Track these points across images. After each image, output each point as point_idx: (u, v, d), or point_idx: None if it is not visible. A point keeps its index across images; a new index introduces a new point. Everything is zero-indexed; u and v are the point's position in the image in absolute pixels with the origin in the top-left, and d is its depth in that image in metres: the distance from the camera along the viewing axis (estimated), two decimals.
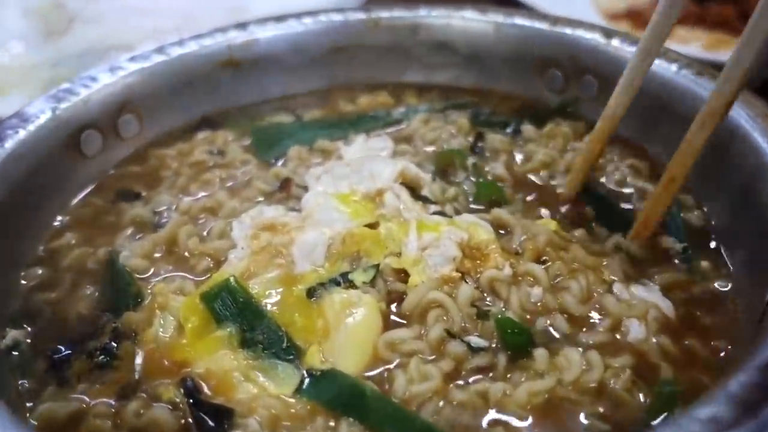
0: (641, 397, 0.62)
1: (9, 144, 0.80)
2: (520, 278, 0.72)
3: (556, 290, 0.71)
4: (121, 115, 0.95)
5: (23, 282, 0.77)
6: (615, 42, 0.97)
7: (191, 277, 0.77)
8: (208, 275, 0.76)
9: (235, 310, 0.69)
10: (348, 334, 0.67)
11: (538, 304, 0.70)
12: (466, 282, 0.72)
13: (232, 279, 0.71)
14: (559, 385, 0.63)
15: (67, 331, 0.72)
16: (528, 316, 0.69)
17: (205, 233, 0.82)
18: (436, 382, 0.63)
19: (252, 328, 0.68)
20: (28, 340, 0.71)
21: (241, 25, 1.06)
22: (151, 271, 0.78)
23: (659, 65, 0.88)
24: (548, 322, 0.69)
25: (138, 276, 0.77)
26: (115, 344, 0.68)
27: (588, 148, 0.84)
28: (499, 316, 0.68)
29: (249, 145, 0.97)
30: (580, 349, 0.66)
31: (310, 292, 0.71)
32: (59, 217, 0.86)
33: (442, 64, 1.10)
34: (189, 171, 0.93)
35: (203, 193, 0.89)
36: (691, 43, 1.47)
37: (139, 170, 0.94)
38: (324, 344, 0.67)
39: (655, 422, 0.60)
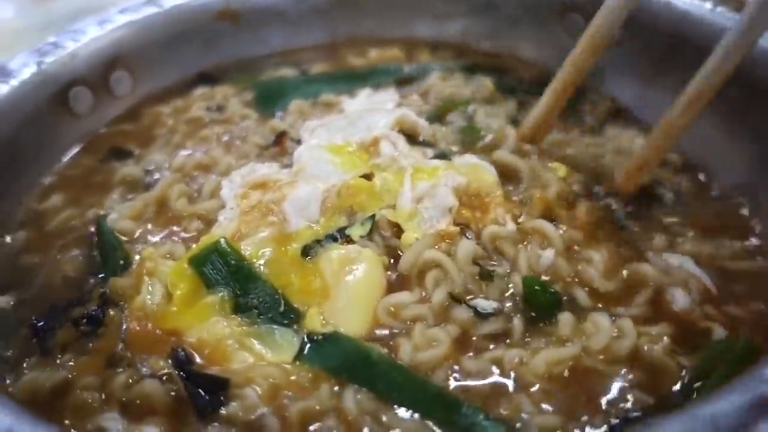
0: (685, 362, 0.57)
1: None
2: (528, 236, 0.67)
3: (572, 257, 0.66)
4: (113, 70, 0.89)
5: (8, 244, 0.73)
6: None
7: (181, 239, 0.71)
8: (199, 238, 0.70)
9: (226, 273, 0.64)
10: (349, 293, 0.62)
11: (551, 269, 0.64)
12: (467, 237, 0.66)
13: (222, 240, 0.65)
14: (585, 354, 0.57)
15: (52, 297, 0.66)
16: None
17: (195, 194, 0.76)
18: (444, 348, 0.58)
19: (245, 292, 0.63)
20: (12, 305, 0.66)
21: None
22: (140, 233, 0.73)
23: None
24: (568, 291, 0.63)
25: (126, 239, 0.72)
26: (102, 312, 0.63)
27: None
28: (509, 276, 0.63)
29: (250, 101, 0.92)
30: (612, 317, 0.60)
31: (306, 250, 0.65)
32: (46, 178, 0.81)
33: (454, 13, 1.03)
34: (185, 128, 0.87)
35: (199, 150, 0.83)
36: None
37: (132, 128, 0.89)
38: (324, 305, 0.62)
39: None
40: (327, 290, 0.63)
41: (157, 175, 0.80)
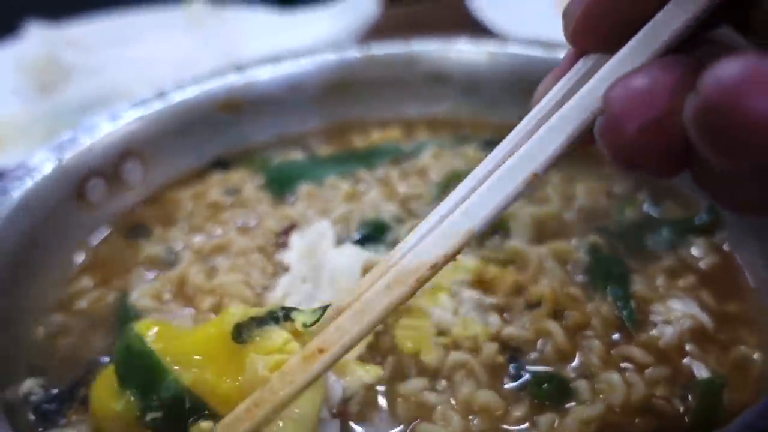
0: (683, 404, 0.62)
1: (16, 195, 0.80)
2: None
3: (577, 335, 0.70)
4: (125, 161, 0.95)
5: (41, 329, 0.77)
6: None
7: (193, 316, 0.76)
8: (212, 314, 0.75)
9: (137, 372, 0.54)
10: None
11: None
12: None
13: (131, 329, 0.56)
14: (609, 410, 0.62)
15: (72, 374, 0.71)
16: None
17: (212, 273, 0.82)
18: None
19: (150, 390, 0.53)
20: (43, 388, 0.69)
21: (239, 68, 1.08)
22: (159, 312, 0.77)
23: None
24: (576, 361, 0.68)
25: (146, 315, 0.76)
26: None
27: None
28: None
29: (263, 184, 0.98)
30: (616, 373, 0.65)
31: (238, 331, 0.53)
32: (74, 262, 0.86)
33: (442, 96, 1.11)
34: (204, 211, 0.94)
35: (216, 233, 0.89)
36: None
37: (152, 213, 0.95)
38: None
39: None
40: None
41: (177, 255, 0.86)
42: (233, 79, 1.06)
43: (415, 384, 0.66)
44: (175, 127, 1.01)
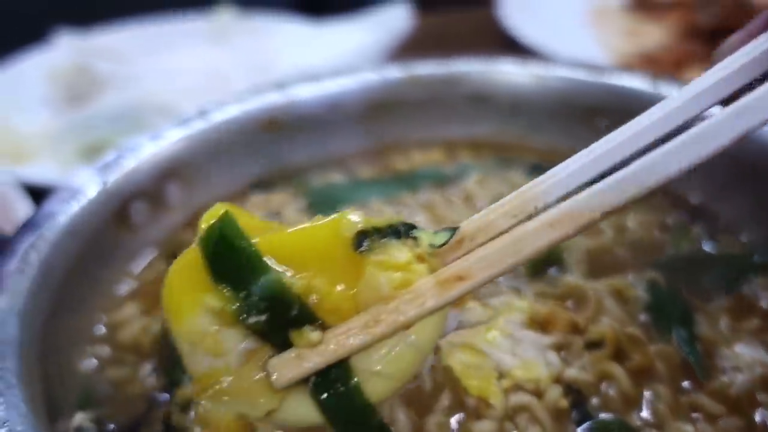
0: None
1: (63, 219, 0.79)
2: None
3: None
4: (167, 183, 0.94)
5: (89, 360, 0.75)
6: (662, 87, 0.96)
7: None
8: None
9: (230, 262, 0.48)
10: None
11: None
12: None
13: (226, 215, 0.49)
14: None
15: (125, 415, 0.69)
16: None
17: None
18: None
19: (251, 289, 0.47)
20: (90, 422, 0.68)
21: (279, 86, 1.06)
22: None
23: None
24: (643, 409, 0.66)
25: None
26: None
27: None
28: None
29: (304, 208, 0.96)
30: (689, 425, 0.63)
31: (360, 239, 0.48)
32: (119, 288, 0.84)
33: (483, 117, 1.09)
34: None
35: None
36: None
37: (194, 235, 0.92)
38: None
39: None
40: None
41: None
42: (274, 98, 1.04)
43: (486, 427, 0.64)
44: (216, 148, 0.99)
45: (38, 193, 1.11)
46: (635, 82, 0.98)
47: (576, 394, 0.67)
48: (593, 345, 0.71)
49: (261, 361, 0.48)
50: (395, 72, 1.09)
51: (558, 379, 0.68)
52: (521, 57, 1.12)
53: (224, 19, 1.73)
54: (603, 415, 0.65)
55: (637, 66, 1.61)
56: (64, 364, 0.72)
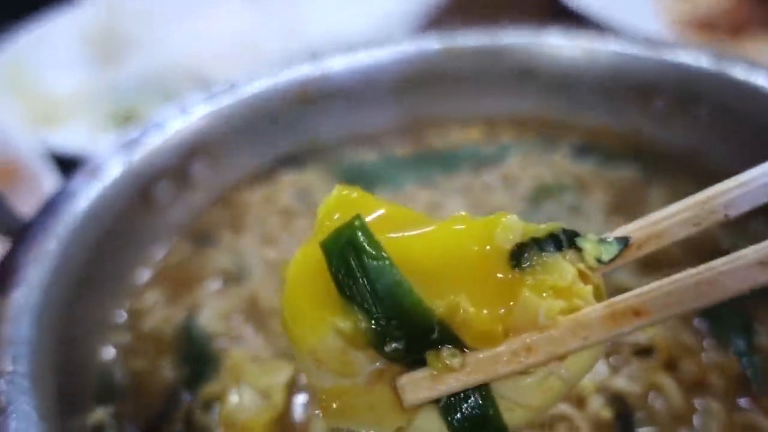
0: None
1: (84, 203, 0.75)
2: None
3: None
4: (193, 160, 0.90)
5: (109, 349, 0.73)
6: (726, 65, 0.88)
7: (267, 339, 0.71)
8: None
9: (361, 281, 0.41)
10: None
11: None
12: None
13: (357, 223, 0.42)
14: None
15: (147, 409, 0.67)
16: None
17: None
18: None
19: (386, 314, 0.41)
20: (111, 416, 0.66)
21: (312, 58, 1.00)
22: (230, 333, 0.73)
23: None
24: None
25: (216, 340, 0.72)
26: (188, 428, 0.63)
27: None
28: None
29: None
30: None
31: (519, 252, 0.42)
32: (141, 274, 0.81)
33: (526, 93, 1.02)
34: (275, 219, 0.88)
35: (288, 243, 0.83)
36: None
37: (220, 217, 0.89)
38: None
39: None
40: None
41: (248, 268, 0.80)
42: (306, 70, 0.99)
43: None
44: (244, 123, 0.94)
45: (67, 163, 1.09)
46: (696, 59, 0.90)
47: (621, 404, 0.63)
48: (643, 352, 0.66)
49: (391, 378, 0.43)
50: (433, 43, 1.02)
51: (602, 389, 0.63)
52: (571, 24, 1.04)
53: None
54: (647, 430, 0.61)
55: (691, 32, 1.51)
56: (82, 354, 0.70)
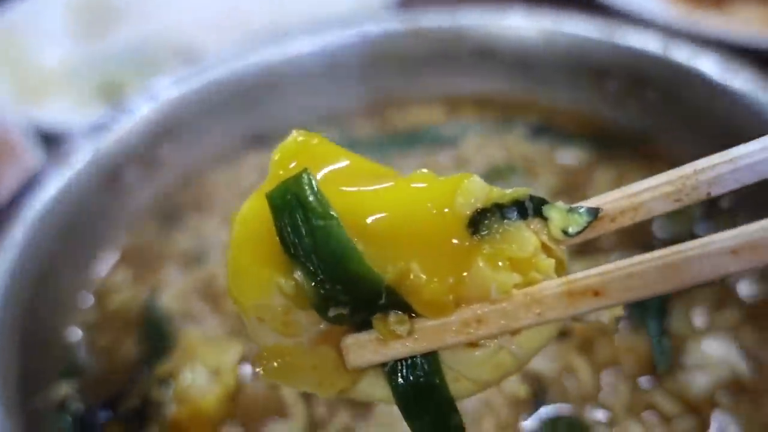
0: None
1: (51, 188, 0.81)
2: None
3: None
4: (161, 142, 0.94)
5: (76, 328, 0.79)
6: (674, 50, 0.90)
7: (221, 319, 0.77)
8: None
9: (307, 239, 0.39)
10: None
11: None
12: None
13: (305, 177, 0.39)
14: None
15: (110, 385, 0.73)
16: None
17: None
18: None
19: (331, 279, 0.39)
20: (78, 395, 0.72)
21: (276, 40, 1.04)
22: (188, 313, 0.78)
23: None
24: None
25: (174, 319, 0.77)
26: (143, 404, 0.69)
27: None
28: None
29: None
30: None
31: (476, 220, 0.40)
32: (108, 255, 0.86)
33: (488, 73, 1.05)
34: (239, 200, 0.91)
35: None
36: None
37: (187, 197, 0.94)
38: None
39: None
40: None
41: (209, 249, 0.86)
42: (270, 52, 1.02)
43: None
44: (210, 104, 0.98)
45: (51, 138, 1.14)
46: (645, 42, 0.92)
47: (537, 383, 0.68)
48: (561, 334, 0.71)
49: (337, 340, 0.42)
50: (397, 24, 1.05)
51: None
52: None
53: None
54: (558, 407, 0.66)
55: (677, 2, 1.50)
56: (48, 333, 0.76)
